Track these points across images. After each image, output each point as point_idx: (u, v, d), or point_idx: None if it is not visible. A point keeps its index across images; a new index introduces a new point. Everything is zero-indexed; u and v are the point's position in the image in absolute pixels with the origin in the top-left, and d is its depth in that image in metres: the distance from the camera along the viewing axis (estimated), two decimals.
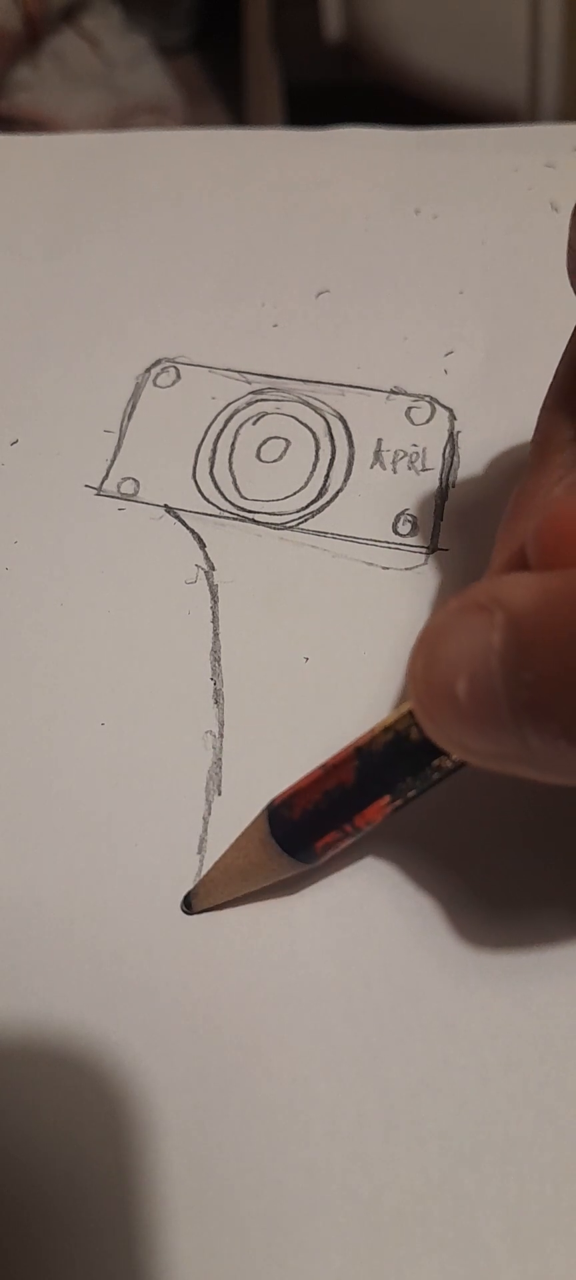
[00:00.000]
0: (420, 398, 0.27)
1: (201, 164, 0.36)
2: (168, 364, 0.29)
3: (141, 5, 1.12)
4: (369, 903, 0.20)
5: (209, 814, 0.21)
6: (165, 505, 0.26)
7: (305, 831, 0.19)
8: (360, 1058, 0.18)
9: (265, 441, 0.27)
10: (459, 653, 0.15)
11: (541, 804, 0.20)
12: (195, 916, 0.20)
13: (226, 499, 0.26)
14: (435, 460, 0.26)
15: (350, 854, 0.20)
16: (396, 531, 0.25)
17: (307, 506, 0.26)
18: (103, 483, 0.27)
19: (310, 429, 0.27)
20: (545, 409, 0.20)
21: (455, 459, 0.26)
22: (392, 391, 0.28)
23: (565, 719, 0.14)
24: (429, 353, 0.28)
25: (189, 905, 0.20)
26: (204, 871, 0.20)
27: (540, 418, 0.20)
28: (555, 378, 0.20)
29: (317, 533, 0.25)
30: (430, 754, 0.17)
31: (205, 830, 0.21)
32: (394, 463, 0.26)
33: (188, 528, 0.25)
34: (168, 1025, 0.19)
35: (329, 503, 0.26)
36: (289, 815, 0.19)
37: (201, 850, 0.20)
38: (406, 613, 0.23)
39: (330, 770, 0.19)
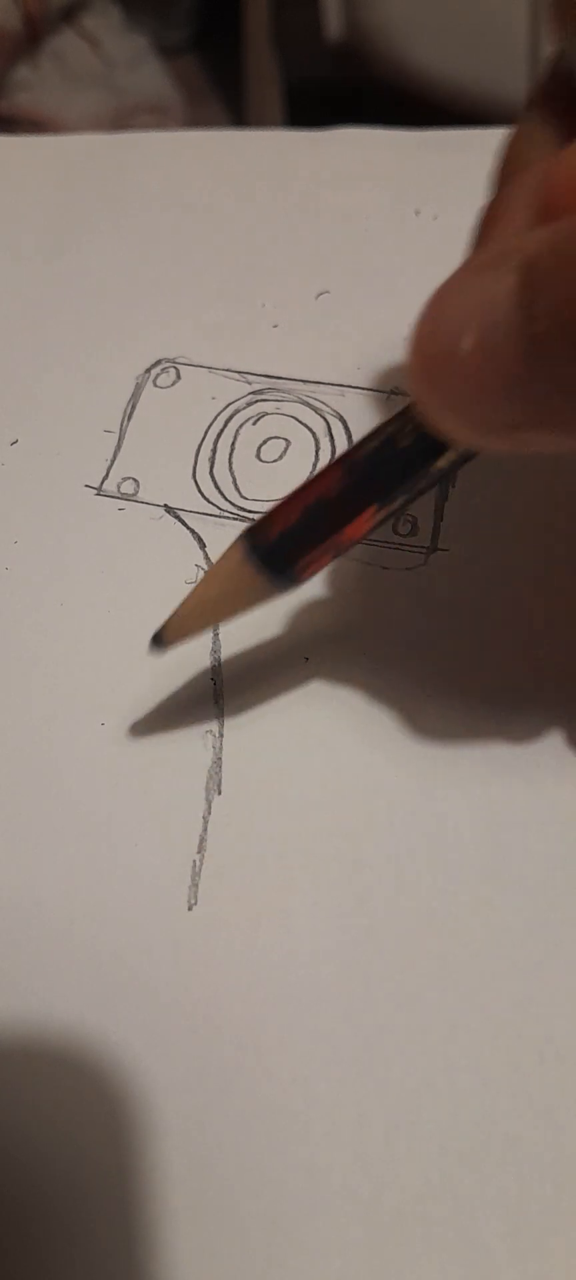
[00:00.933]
0: None
1: (201, 164, 0.36)
2: (168, 364, 0.29)
3: (141, 5, 1.12)
4: (369, 903, 0.20)
5: (209, 814, 0.21)
6: (165, 505, 0.26)
7: (284, 550, 0.18)
8: (360, 1058, 0.18)
9: (265, 441, 0.27)
10: (467, 308, 0.15)
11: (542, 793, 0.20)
12: (196, 915, 0.20)
13: (226, 499, 0.26)
14: None
15: (351, 850, 0.20)
16: (396, 531, 0.25)
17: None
18: (103, 483, 0.27)
19: (310, 429, 0.27)
20: (522, 120, 0.19)
21: None
22: (393, 392, 0.28)
23: None
24: None
25: (161, 641, 0.19)
26: (203, 871, 0.20)
27: (515, 132, 0.19)
28: (530, 91, 0.19)
29: None
30: (423, 454, 0.16)
31: (205, 830, 0.21)
32: None
33: (188, 528, 0.25)
34: (168, 1025, 0.19)
35: None
36: (266, 536, 0.18)
37: (201, 850, 0.20)
38: (406, 613, 0.23)
39: (311, 484, 0.17)
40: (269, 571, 0.18)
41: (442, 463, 0.16)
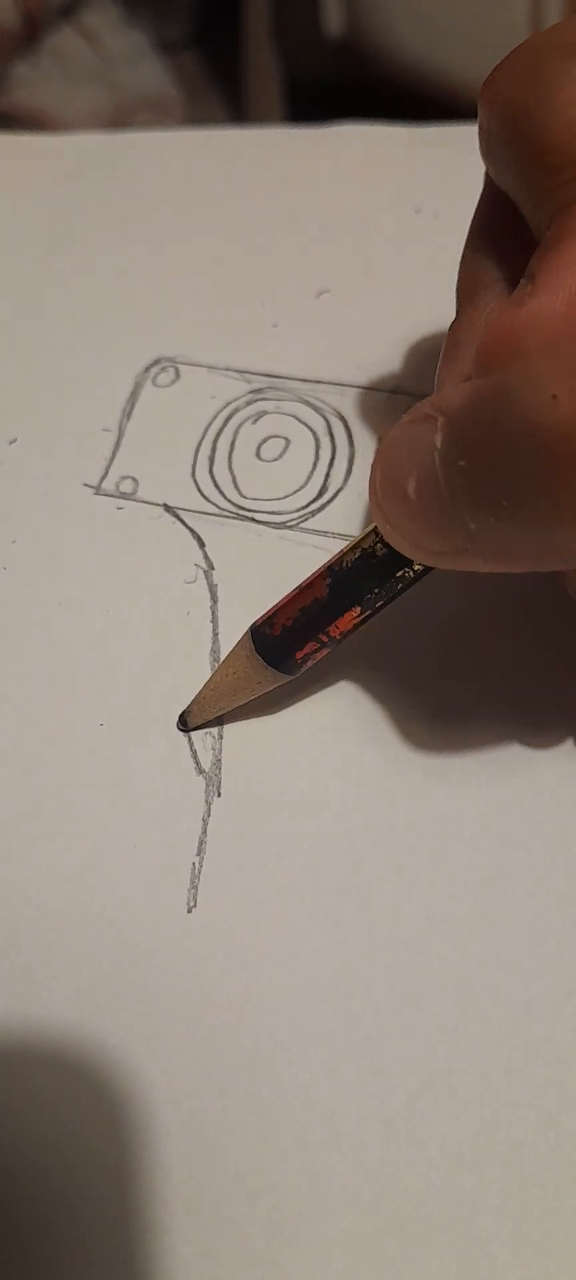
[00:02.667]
0: (421, 397, 0.27)
1: (201, 163, 0.36)
2: (167, 363, 0.29)
3: (141, 1, 1.12)
4: (369, 903, 0.20)
5: (208, 814, 0.21)
6: (164, 504, 0.26)
7: (285, 645, 0.21)
8: (360, 1059, 0.18)
9: (265, 440, 0.27)
10: (408, 457, 0.18)
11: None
12: (195, 917, 0.20)
13: (226, 498, 0.26)
14: None
15: (350, 852, 0.20)
16: None
17: (307, 506, 0.25)
18: (101, 481, 0.27)
19: (310, 428, 0.27)
20: (465, 257, 0.21)
21: None
22: (393, 391, 0.28)
23: (491, 494, 0.16)
24: (429, 352, 0.28)
25: (185, 723, 0.22)
26: (202, 872, 0.20)
27: (461, 266, 0.21)
28: (472, 226, 0.22)
29: (318, 532, 0.25)
30: (393, 565, 0.19)
31: (205, 830, 0.21)
32: None
33: (187, 527, 0.25)
34: (167, 1026, 0.19)
35: (329, 502, 0.25)
36: (270, 632, 0.21)
37: (201, 850, 0.20)
38: (405, 614, 0.23)
39: (305, 588, 0.21)
40: (273, 663, 0.21)
41: (412, 572, 0.19)
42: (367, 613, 0.20)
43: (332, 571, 0.20)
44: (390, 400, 0.27)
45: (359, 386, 0.28)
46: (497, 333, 0.17)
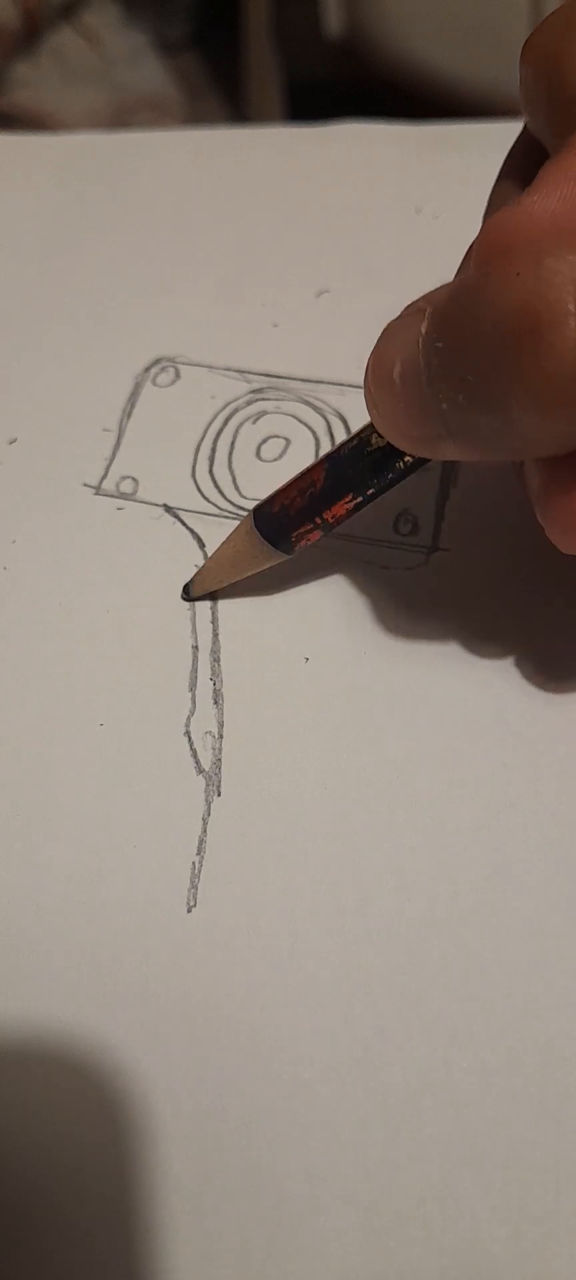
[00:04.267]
0: None
1: (201, 163, 0.36)
2: (167, 363, 0.29)
3: (141, 1, 1.12)
4: (369, 903, 0.20)
5: (209, 814, 0.21)
6: (164, 504, 0.26)
7: (283, 523, 0.22)
8: (360, 1060, 0.18)
9: (265, 440, 0.27)
10: (396, 345, 0.19)
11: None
12: (195, 917, 0.20)
13: (226, 498, 0.26)
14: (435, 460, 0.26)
15: (350, 852, 0.20)
16: (396, 531, 0.25)
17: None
18: (101, 481, 0.27)
19: (310, 428, 0.27)
20: (493, 192, 0.23)
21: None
22: None
23: (459, 371, 0.17)
24: None
25: (188, 593, 0.24)
26: (202, 872, 0.20)
27: (493, 191, 0.23)
28: (503, 167, 0.23)
29: None
30: (386, 457, 0.21)
31: (205, 830, 0.21)
32: None
33: (187, 527, 0.25)
34: (167, 1026, 0.19)
35: None
36: (269, 510, 0.23)
37: (201, 850, 0.20)
38: (406, 613, 0.23)
39: (304, 474, 0.22)
40: (272, 540, 0.23)
41: (402, 464, 0.21)
42: (360, 500, 0.22)
43: (330, 459, 0.22)
44: None
45: (359, 387, 0.28)
46: (490, 230, 0.18)
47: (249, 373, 0.29)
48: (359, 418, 0.27)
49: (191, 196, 0.35)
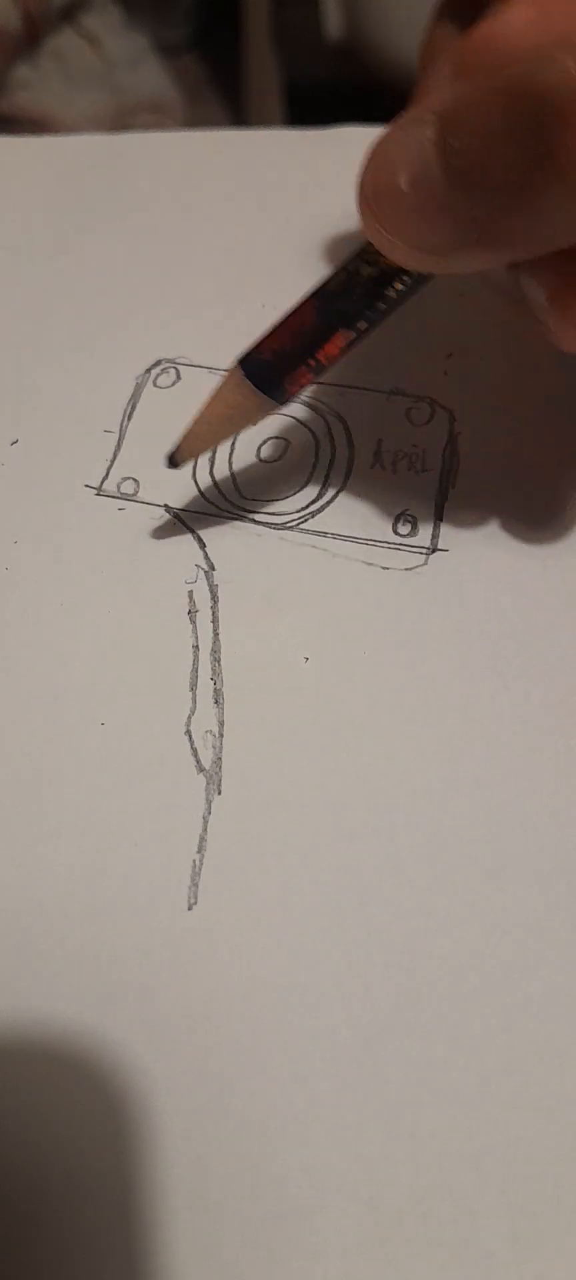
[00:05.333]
0: (420, 399, 0.27)
1: (201, 164, 0.36)
2: (168, 364, 0.29)
3: (141, 4, 1.12)
4: (369, 903, 0.20)
5: (209, 812, 0.21)
6: (165, 505, 0.26)
7: (275, 369, 0.21)
8: (360, 1058, 0.18)
9: (265, 441, 0.27)
10: (399, 155, 0.19)
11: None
12: (196, 914, 0.20)
13: (226, 499, 0.26)
14: (435, 461, 0.26)
15: (350, 851, 0.20)
16: (396, 531, 0.25)
17: (307, 506, 0.26)
18: (102, 483, 0.27)
19: (310, 429, 0.27)
20: (426, 36, 0.24)
21: (455, 460, 0.26)
22: (392, 392, 0.28)
23: (489, 170, 0.18)
24: (429, 354, 0.28)
25: (174, 461, 0.23)
26: (203, 870, 0.20)
27: (425, 34, 0.24)
28: (431, 12, 0.24)
29: (317, 533, 0.25)
30: (377, 284, 0.20)
31: (205, 829, 0.21)
32: (394, 463, 0.26)
33: (188, 528, 0.25)
34: (167, 1025, 0.19)
35: (329, 503, 0.26)
36: (260, 357, 0.22)
37: (201, 850, 0.20)
38: (406, 613, 0.23)
39: (293, 314, 0.21)
40: (263, 388, 0.22)
41: (396, 289, 0.20)
42: (352, 335, 0.21)
43: (319, 295, 0.21)
44: (389, 401, 0.27)
45: (358, 388, 0.28)
46: (477, 39, 0.19)
47: None
48: (359, 418, 0.27)
49: (192, 199, 0.35)
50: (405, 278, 0.20)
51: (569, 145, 0.17)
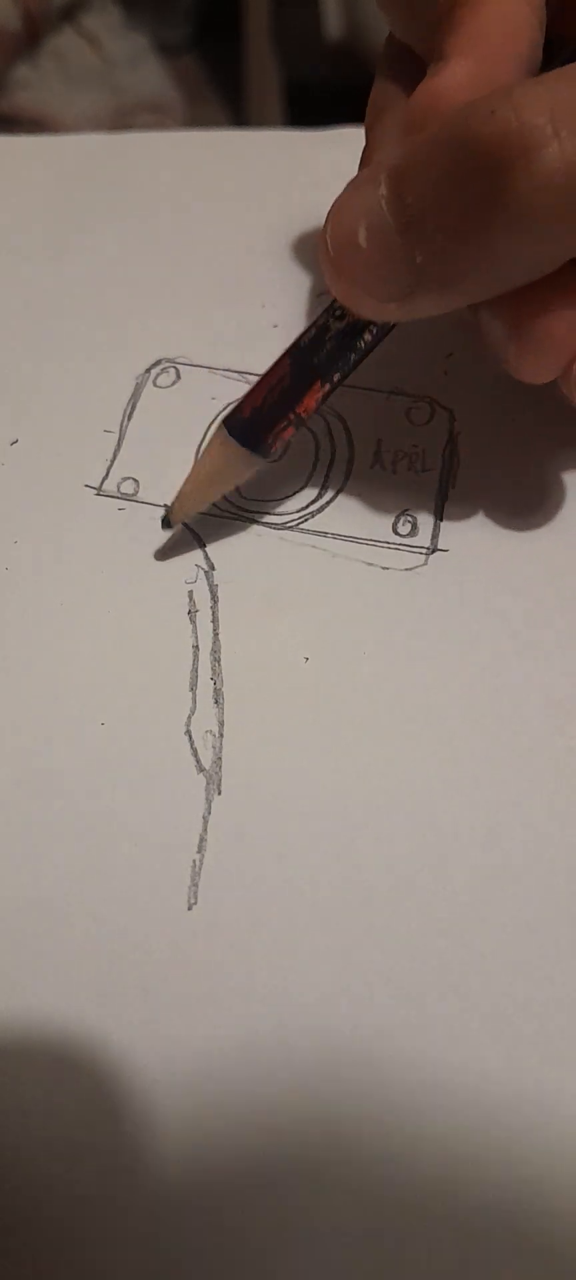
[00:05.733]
0: (420, 398, 0.27)
1: (201, 164, 0.36)
2: (168, 364, 0.29)
3: (141, 4, 1.12)
4: (369, 903, 0.20)
5: (209, 812, 0.21)
6: (165, 505, 0.26)
7: (256, 425, 0.23)
8: (360, 1058, 0.18)
9: None
10: (356, 212, 0.20)
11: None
12: (196, 914, 0.20)
13: (226, 499, 0.26)
14: (435, 461, 0.26)
15: (350, 851, 0.20)
16: (396, 531, 0.25)
17: (307, 506, 0.26)
18: (103, 483, 0.27)
19: (310, 429, 0.27)
20: (372, 95, 0.25)
21: (455, 460, 0.26)
22: (392, 392, 0.28)
23: (439, 217, 0.19)
24: (429, 354, 0.28)
25: (168, 522, 0.24)
26: (203, 870, 0.20)
27: (370, 102, 0.25)
28: (379, 62, 0.26)
29: (317, 533, 0.25)
30: (349, 336, 0.22)
31: (205, 830, 0.21)
32: (394, 463, 0.26)
33: (187, 527, 0.25)
34: (167, 1023, 0.19)
35: (329, 503, 0.26)
36: (241, 415, 0.23)
37: (202, 848, 0.20)
38: (406, 613, 0.23)
39: (270, 372, 0.23)
40: (247, 445, 0.23)
41: (365, 340, 0.22)
42: (328, 386, 0.22)
43: (293, 353, 0.22)
44: (389, 401, 0.27)
45: (358, 388, 0.28)
46: (422, 98, 0.20)
47: (249, 374, 0.29)
48: (358, 419, 0.27)
49: (192, 198, 0.35)
50: (372, 328, 0.22)
51: (514, 190, 0.18)
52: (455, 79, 0.20)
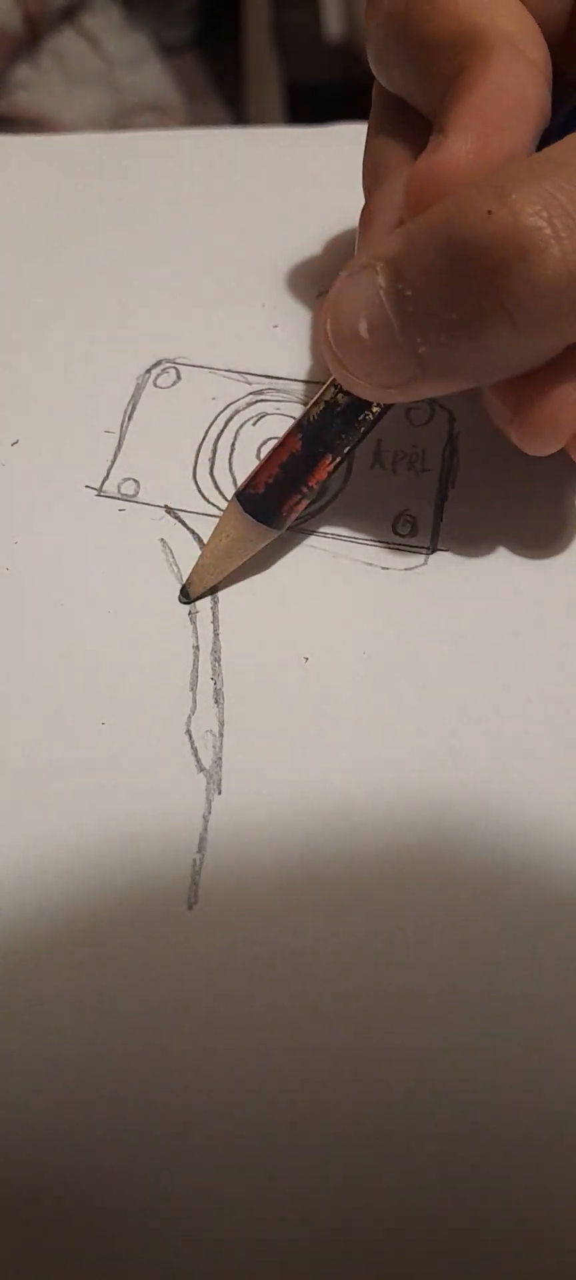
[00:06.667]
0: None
1: (201, 164, 0.36)
2: (168, 364, 0.29)
3: (142, 4, 1.12)
4: (369, 903, 0.20)
5: (209, 813, 0.21)
6: (165, 506, 0.26)
7: (270, 499, 0.23)
8: (360, 1058, 0.18)
9: (265, 442, 0.27)
10: (356, 304, 0.20)
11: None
12: (196, 913, 0.20)
13: (227, 499, 0.26)
14: (435, 461, 0.26)
15: (350, 850, 0.20)
16: (396, 532, 0.25)
17: (308, 506, 0.26)
18: (103, 483, 0.27)
19: None
20: (366, 154, 0.25)
21: (455, 460, 0.26)
22: None
23: (440, 313, 0.19)
24: None
25: (187, 595, 0.24)
26: (203, 869, 0.20)
27: (364, 162, 0.25)
28: (368, 130, 0.25)
29: (317, 533, 0.25)
30: (354, 410, 0.22)
31: (206, 828, 0.21)
32: (394, 463, 0.26)
33: (188, 528, 0.25)
34: (168, 1021, 0.19)
35: (329, 503, 0.26)
36: (255, 492, 0.23)
37: (202, 847, 0.21)
38: (406, 613, 0.23)
39: (281, 447, 0.23)
40: (260, 518, 0.23)
41: (371, 414, 0.22)
42: (338, 459, 0.23)
43: (303, 427, 0.23)
44: None
45: None
46: (421, 176, 0.20)
47: (249, 374, 0.29)
48: None
49: (192, 198, 0.35)
50: (376, 407, 0.22)
51: (514, 292, 0.18)
52: (455, 158, 0.20)
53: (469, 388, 0.21)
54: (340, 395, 0.22)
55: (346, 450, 0.23)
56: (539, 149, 0.20)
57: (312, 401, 0.23)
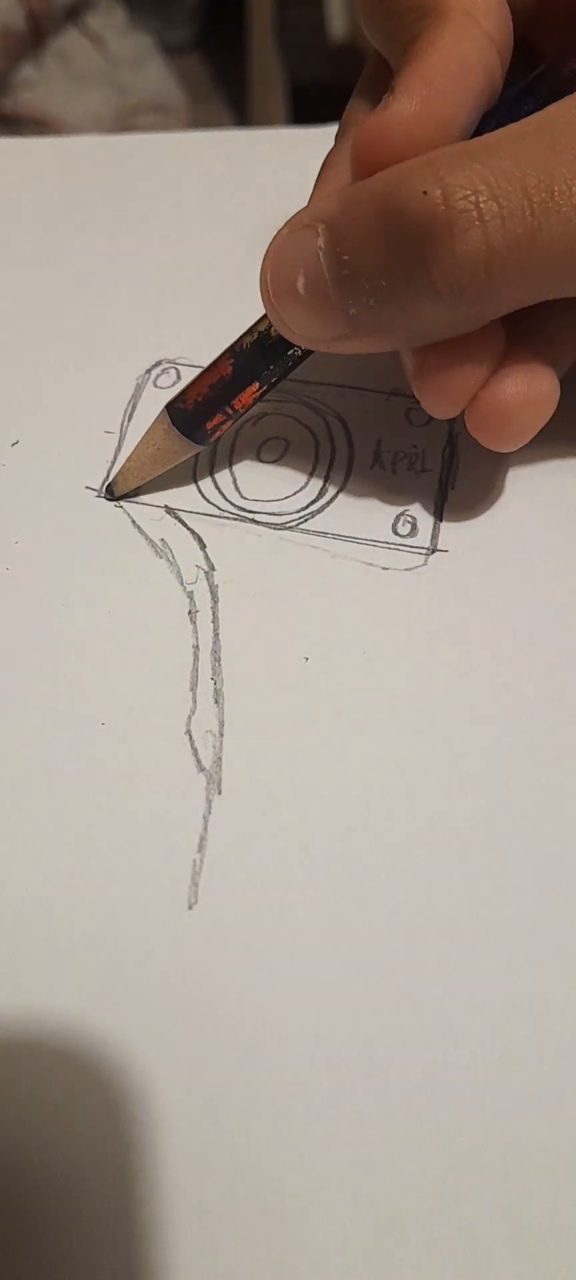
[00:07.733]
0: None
1: (203, 165, 0.36)
2: (168, 365, 0.29)
3: (145, 4, 1.12)
4: (369, 903, 0.20)
5: (209, 812, 0.21)
6: (165, 506, 0.26)
7: (197, 416, 0.25)
8: (360, 1057, 0.18)
9: (265, 442, 0.27)
10: (295, 259, 0.22)
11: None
12: (196, 913, 0.20)
13: (227, 499, 0.26)
14: (435, 461, 0.26)
15: (350, 851, 0.20)
16: (396, 532, 0.25)
17: (307, 507, 0.26)
18: (104, 484, 0.27)
19: (310, 429, 0.27)
20: (348, 107, 0.26)
21: (455, 460, 0.26)
22: (392, 393, 0.28)
23: (372, 279, 0.21)
24: None
25: (111, 493, 0.26)
26: (203, 869, 0.20)
27: (347, 110, 0.27)
28: (361, 78, 0.27)
29: (317, 533, 0.25)
30: (284, 346, 0.24)
31: (205, 828, 0.21)
32: (394, 463, 0.26)
33: (188, 528, 0.25)
34: (168, 1023, 0.19)
35: (329, 503, 0.26)
36: (183, 406, 0.25)
37: (202, 847, 0.21)
38: (406, 613, 0.23)
39: (212, 369, 0.25)
40: (186, 432, 0.25)
41: (299, 352, 0.24)
42: (264, 387, 0.25)
43: (234, 353, 0.24)
44: (389, 402, 0.28)
45: (358, 388, 0.28)
46: (367, 132, 0.22)
47: None
48: (358, 419, 0.27)
49: (194, 199, 0.35)
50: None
51: (439, 265, 0.20)
52: (398, 117, 0.21)
53: (393, 349, 0.23)
54: (273, 330, 0.23)
55: (273, 380, 0.24)
56: (486, 127, 0.22)
57: (246, 330, 0.24)
